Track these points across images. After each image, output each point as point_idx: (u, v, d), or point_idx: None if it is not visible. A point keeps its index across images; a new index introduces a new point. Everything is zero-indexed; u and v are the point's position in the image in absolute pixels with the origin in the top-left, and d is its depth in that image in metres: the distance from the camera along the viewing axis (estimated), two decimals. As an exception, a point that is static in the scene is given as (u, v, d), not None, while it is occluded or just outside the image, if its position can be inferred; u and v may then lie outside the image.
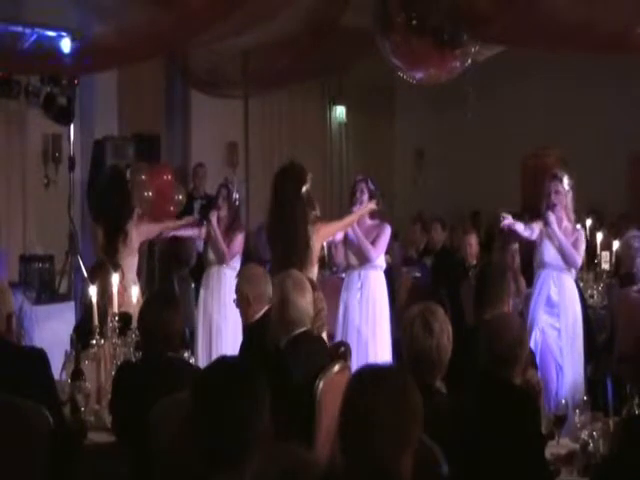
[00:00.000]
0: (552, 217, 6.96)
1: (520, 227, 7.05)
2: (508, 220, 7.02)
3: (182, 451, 3.25)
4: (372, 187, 7.29)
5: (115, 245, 7.34)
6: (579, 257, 7.02)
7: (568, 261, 6.96)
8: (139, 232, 7.52)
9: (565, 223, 7.05)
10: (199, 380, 2.80)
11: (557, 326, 6.96)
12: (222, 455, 2.62)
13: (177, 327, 4.56)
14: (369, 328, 7.12)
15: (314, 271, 6.56)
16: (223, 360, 2.98)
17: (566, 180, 7.04)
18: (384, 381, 2.69)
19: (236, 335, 6.92)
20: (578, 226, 7.21)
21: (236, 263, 7.75)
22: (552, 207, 6.99)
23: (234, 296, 5.41)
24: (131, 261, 7.42)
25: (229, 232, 7.74)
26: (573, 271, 7.08)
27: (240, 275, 5.54)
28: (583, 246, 7.08)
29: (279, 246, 6.61)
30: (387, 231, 7.26)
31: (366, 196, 7.24)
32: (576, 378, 6.85)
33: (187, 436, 2.73)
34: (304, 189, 6.60)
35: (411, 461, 2.65)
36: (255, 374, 2.74)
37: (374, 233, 7.23)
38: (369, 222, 7.30)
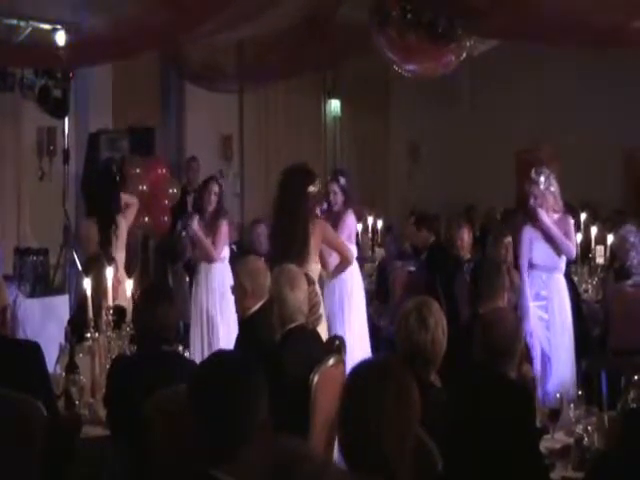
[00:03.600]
0: (542, 213, 6.95)
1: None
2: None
3: (178, 444, 3.25)
4: (343, 183, 7.21)
5: (109, 238, 7.36)
6: (573, 247, 7.03)
7: (563, 252, 6.96)
8: (125, 218, 7.59)
9: (553, 218, 7.04)
10: (197, 374, 2.80)
11: (545, 318, 6.97)
12: (220, 448, 2.62)
13: (172, 321, 4.56)
14: (342, 322, 7.06)
15: (314, 267, 6.48)
16: (221, 354, 2.98)
17: (542, 179, 7.00)
18: (386, 377, 2.68)
19: (231, 329, 6.92)
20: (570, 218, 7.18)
21: (224, 253, 7.72)
22: (539, 206, 6.98)
23: (231, 283, 5.42)
24: (121, 256, 7.44)
25: (214, 221, 7.70)
26: (562, 266, 7.06)
27: (241, 267, 5.49)
28: (574, 235, 7.10)
29: (279, 242, 6.59)
30: (348, 222, 7.14)
31: (339, 196, 7.19)
32: (566, 371, 6.84)
33: (183, 429, 2.72)
34: (311, 189, 6.57)
35: (411, 456, 2.64)
36: (253, 367, 2.73)
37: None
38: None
